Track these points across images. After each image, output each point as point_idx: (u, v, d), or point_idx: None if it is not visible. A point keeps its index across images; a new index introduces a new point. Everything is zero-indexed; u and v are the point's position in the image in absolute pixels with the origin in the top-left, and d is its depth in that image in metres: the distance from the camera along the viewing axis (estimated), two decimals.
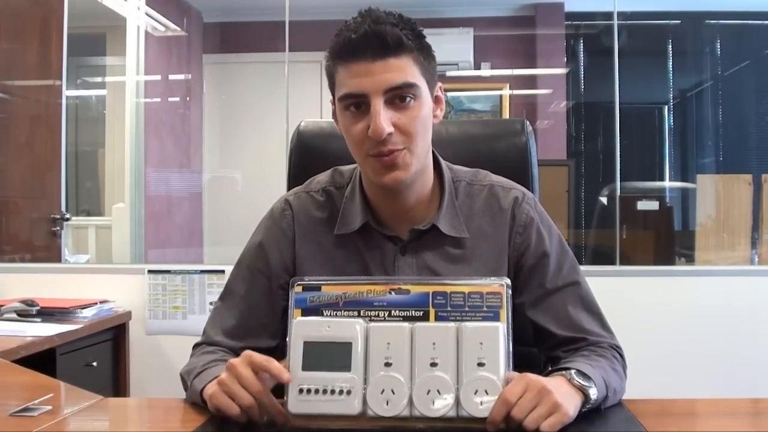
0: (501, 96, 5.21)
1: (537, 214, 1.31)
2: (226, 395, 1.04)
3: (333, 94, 1.24)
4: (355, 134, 1.19)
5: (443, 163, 1.32)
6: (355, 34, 1.15)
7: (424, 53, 1.21)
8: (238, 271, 1.35)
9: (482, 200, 1.31)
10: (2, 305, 2.52)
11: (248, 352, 1.06)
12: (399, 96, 1.17)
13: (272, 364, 1.04)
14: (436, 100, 1.25)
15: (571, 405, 1.01)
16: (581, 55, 5.23)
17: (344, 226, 1.29)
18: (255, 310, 1.30)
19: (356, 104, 1.18)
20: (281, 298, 1.28)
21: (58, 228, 3.33)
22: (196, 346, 1.31)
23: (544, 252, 1.28)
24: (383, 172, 1.19)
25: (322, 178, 1.37)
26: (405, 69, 1.17)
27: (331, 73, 1.21)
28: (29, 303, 2.52)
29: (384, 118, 1.15)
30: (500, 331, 1.03)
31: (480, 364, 1.01)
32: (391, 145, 1.17)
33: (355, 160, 1.26)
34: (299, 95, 3.64)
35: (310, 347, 1.04)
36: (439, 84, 1.26)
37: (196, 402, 1.14)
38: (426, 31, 1.22)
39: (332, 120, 1.29)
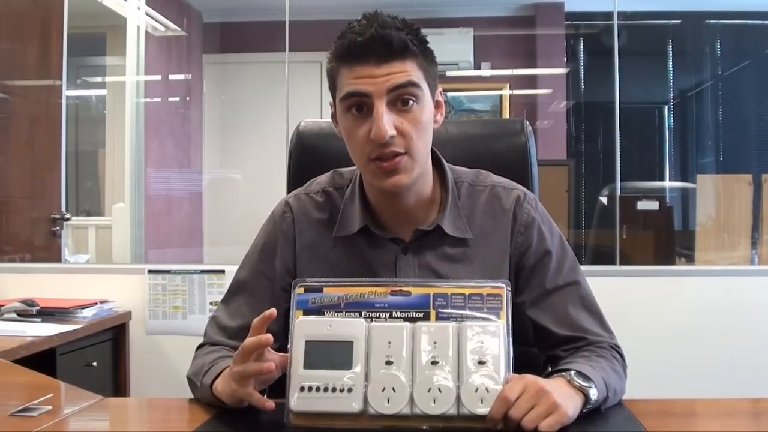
0: (501, 96, 5.21)
1: (538, 214, 1.31)
2: (242, 384, 1.06)
3: (333, 96, 1.23)
4: (357, 138, 1.18)
5: (446, 164, 1.32)
6: (361, 37, 1.14)
7: (427, 58, 1.20)
8: (241, 274, 1.35)
9: (484, 201, 1.31)
10: (2, 305, 2.52)
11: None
12: (401, 99, 1.16)
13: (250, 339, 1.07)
14: (437, 104, 1.25)
15: (570, 405, 1.01)
16: (581, 55, 5.22)
17: (343, 228, 1.30)
18: (258, 312, 1.30)
19: (358, 106, 1.17)
20: (284, 300, 1.27)
21: (58, 228, 3.33)
22: (198, 347, 1.32)
23: (545, 251, 1.29)
24: (384, 177, 1.19)
25: (322, 179, 1.37)
26: (409, 71, 1.16)
27: (333, 75, 1.21)
28: (29, 303, 2.52)
29: (386, 121, 1.14)
30: (501, 330, 1.04)
31: (480, 363, 1.01)
32: (393, 147, 1.16)
33: (355, 164, 1.25)
34: (299, 95, 3.64)
35: (311, 346, 1.04)
36: (440, 88, 1.26)
37: (209, 400, 1.14)
38: (426, 31, 1.22)
39: (332, 120, 1.28)
